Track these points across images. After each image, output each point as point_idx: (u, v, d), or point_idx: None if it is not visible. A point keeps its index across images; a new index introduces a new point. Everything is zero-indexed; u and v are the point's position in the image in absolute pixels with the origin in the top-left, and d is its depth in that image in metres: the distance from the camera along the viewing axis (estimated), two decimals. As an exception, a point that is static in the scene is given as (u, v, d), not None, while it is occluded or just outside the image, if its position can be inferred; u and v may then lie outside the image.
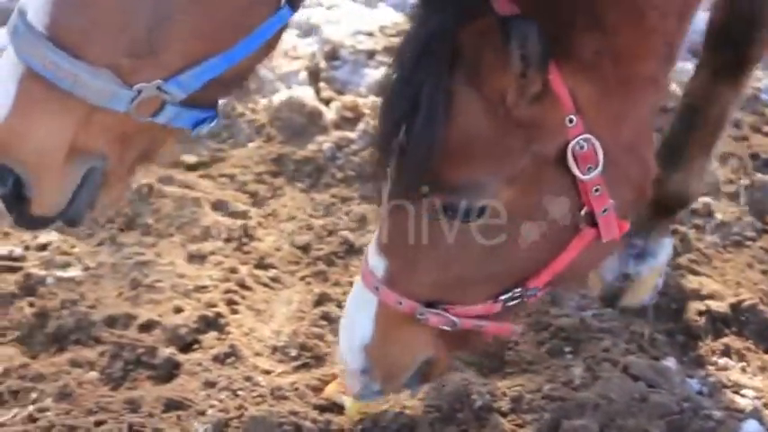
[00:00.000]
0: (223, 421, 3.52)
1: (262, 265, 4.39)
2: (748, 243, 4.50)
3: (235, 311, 4.07)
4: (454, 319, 2.99)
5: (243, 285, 4.22)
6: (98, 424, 3.52)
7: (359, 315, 3.08)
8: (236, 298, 4.13)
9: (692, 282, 4.22)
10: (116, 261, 4.34)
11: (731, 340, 3.98)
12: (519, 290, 2.98)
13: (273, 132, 5.13)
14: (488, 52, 2.68)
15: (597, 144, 2.78)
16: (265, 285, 4.29)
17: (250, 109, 5.34)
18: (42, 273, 4.20)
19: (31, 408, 3.61)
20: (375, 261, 3.00)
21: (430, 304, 2.98)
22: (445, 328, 3.00)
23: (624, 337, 3.89)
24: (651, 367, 3.73)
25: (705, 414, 3.55)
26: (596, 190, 2.84)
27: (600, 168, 2.81)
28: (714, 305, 4.07)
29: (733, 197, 4.72)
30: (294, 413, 3.55)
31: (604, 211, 2.88)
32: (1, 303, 4.09)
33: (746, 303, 4.07)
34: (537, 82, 2.67)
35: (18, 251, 4.34)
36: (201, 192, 4.72)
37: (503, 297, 2.98)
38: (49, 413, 3.58)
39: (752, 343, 3.99)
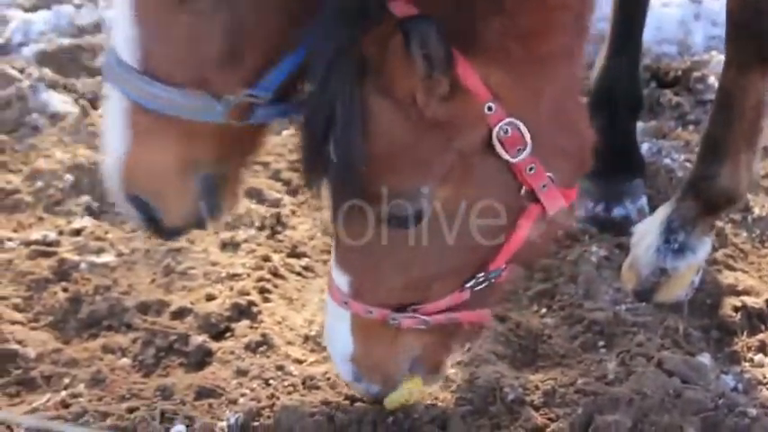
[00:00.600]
0: (255, 410, 3.51)
1: (295, 253, 4.38)
2: (786, 239, 4.47)
3: (267, 300, 4.06)
4: (426, 318, 3.08)
5: (276, 274, 4.21)
6: (130, 411, 3.52)
7: (337, 328, 3.18)
8: (269, 286, 4.12)
9: (727, 277, 4.18)
10: (149, 247, 4.34)
11: (767, 336, 3.93)
12: (482, 274, 3.05)
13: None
14: (391, 57, 2.67)
15: (521, 125, 2.82)
16: (298, 274, 4.28)
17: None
18: (76, 258, 4.21)
19: (63, 393, 3.62)
20: (338, 277, 3.09)
21: (400, 308, 3.06)
22: (420, 327, 3.09)
23: (659, 332, 3.86)
24: (685, 363, 3.69)
25: (740, 411, 3.51)
26: (530, 169, 2.88)
27: (529, 148, 2.84)
28: (750, 301, 4.03)
29: (771, 192, 4.69)
30: (326, 403, 3.54)
31: (543, 186, 2.92)
32: (35, 288, 4.10)
33: (783, 300, 4.03)
34: (444, 81, 2.68)
35: (52, 236, 4.36)
36: (235, 179, 4.71)
37: (468, 285, 3.06)
38: (81, 399, 3.58)
39: (788, 340, 3.95)
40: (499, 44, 2.74)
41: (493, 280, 3.10)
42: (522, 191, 2.93)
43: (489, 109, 2.77)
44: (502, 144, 2.82)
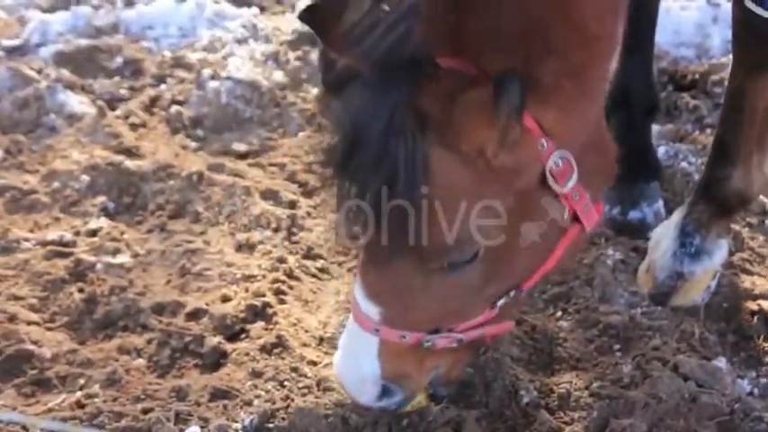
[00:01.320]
0: (269, 412, 3.52)
1: (310, 255, 4.38)
2: (803, 242, 4.44)
3: (282, 301, 4.06)
4: (460, 336, 3.10)
5: (291, 275, 4.21)
6: (145, 411, 3.54)
7: (362, 356, 3.11)
8: (284, 288, 4.12)
9: (744, 281, 4.16)
10: (165, 248, 4.36)
11: (783, 341, 3.92)
12: (513, 292, 3.10)
13: (324, 122, 5.12)
14: (462, 112, 2.65)
15: (569, 156, 2.86)
16: (313, 276, 4.28)
17: (301, 98, 5.34)
18: (92, 259, 4.22)
19: (78, 393, 3.63)
20: (368, 307, 3.03)
21: (434, 330, 3.06)
22: (453, 345, 3.10)
23: (674, 336, 3.85)
24: (701, 367, 3.68)
25: (756, 416, 3.50)
26: (576, 194, 2.94)
27: (576, 175, 2.89)
28: (767, 305, 4.01)
29: (788, 195, 4.66)
30: (340, 405, 3.54)
31: (585, 206, 2.99)
32: (51, 289, 4.12)
33: (800, 304, 4.01)
34: (518, 129, 2.69)
35: (68, 237, 4.37)
36: (251, 180, 4.72)
37: (500, 302, 3.09)
38: (96, 399, 3.60)
39: (804, 344, 3.93)
40: (553, 83, 2.78)
41: (519, 298, 3.18)
42: (566, 215, 2.98)
43: (542, 146, 2.80)
44: (554, 177, 2.86)
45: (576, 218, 3.00)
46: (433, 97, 2.68)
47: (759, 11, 3.37)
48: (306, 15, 2.91)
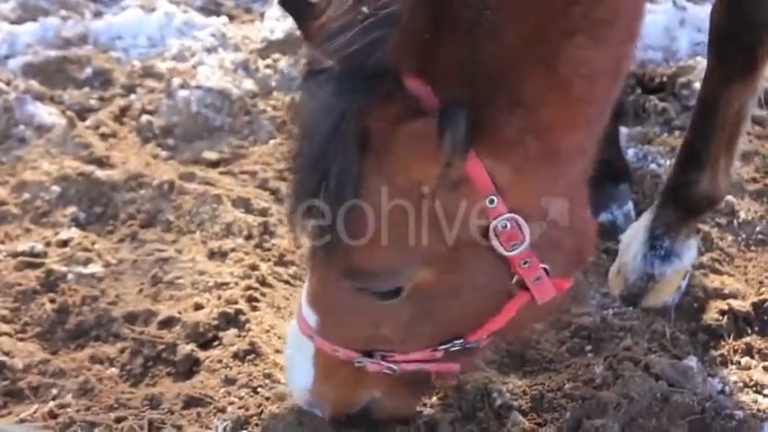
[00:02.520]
0: (243, 419, 3.51)
1: (282, 262, 4.38)
2: (771, 242, 4.48)
3: (255, 308, 4.06)
4: (393, 366, 3.03)
5: (263, 282, 4.21)
6: (118, 420, 3.53)
7: (298, 357, 3.14)
8: (257, 295, 4.12)
9: (714, 281, 4.19)
10: (137, 258, 4.35)
11: (753, 339, 3.94)
12: (459, 341, 2.99)
13: (294, 129, 5.12)
14: (409, 140, 2.53)
15: (521, 221, 2.73)
16: (286, 282, 4.28)
17: (271, 106, 5.35)
18: (63, 269, 4.21)
19: (51, 404, 3.62)
20: (307, 311, 3.04)
21: (368, 353, 3.01)
22: (386, 371, 3.04)
23: (646, 336, 3.87)
24: (673, 367, 3.70)
25: (727, 414, 3.52)
26: (525, 263, 2.80)
27: (527, 243, 2.75)
28: (736, 304, 4.04)
29: (756, 196, 4.69)
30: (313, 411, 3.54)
31: (536, 279, 2.84)
32: (22, 299, 4.10)
33: (769, 303, 4.04)
34: (459, 169, 2.56)
35: (39, 247, 4.35)
36: (222, 189, 4.72)
37: (442, 347, 3.00)
38: (69, 409, 3.59)
39: (774, 342, 3.96)
40: (515, 138, 2.62)
41: (472, 348, 3.06)
42: (514, 280, 2.85)
43: (491, 202, 2.67)
44: (498, 237, 2.73)
45: (526, 287, 2.87)
46: (381, 118, 2.57)
47: None
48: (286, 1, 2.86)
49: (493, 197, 2.66)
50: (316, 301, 3.01)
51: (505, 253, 2.76)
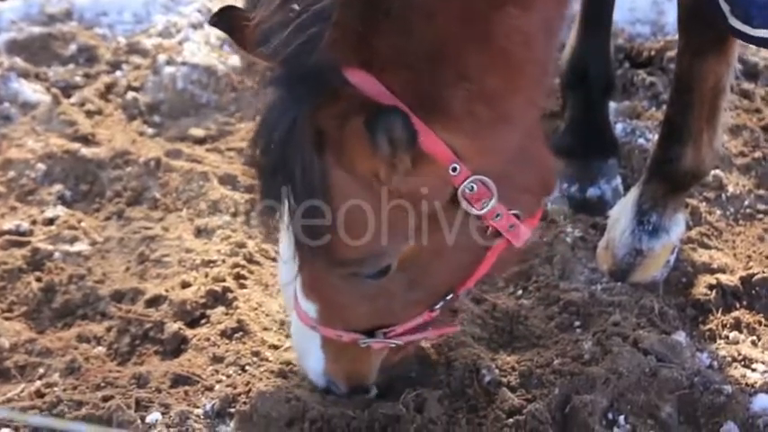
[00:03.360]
0: (231, 396, 3.51)
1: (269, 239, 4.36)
2: (760, 216, 4.46)
3: (242, 286, 4.05)
4: (396, 341, 3.15)
5: (251, 260, 4.19)
6: (105, 399, 3.51)
7: (307, 346, 3.25)
8: (244, 272, 4.11)
9: (702, 255, 4.18)
10: (123, 236, 4.33)
11: (741, 314, 3.94)
12: (450, 296, 3.12)
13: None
14: (352, 137, 2.58)
15: (486, 180, 2.81)
16: (273, 260, 4.25)
17: (258, 82, 5.30)
18: (49, 247, 4.19)
19: (38, 383, 3.61)
20: (305, 304, 3.11)
21: (369, 332, 3.11)
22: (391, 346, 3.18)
23: (634, 312, 3.86)
24: (661, 342, 3.70)
25: (715, 389, 3.53)
26: (497, 216, 2.89)
27: (495, 198, 2.84)
28: (724, 279, 4.04)
29: (744, 170, 4.68)
30: (302, 388, 3.53)
31: (511, 227, 2.95)
32: (8, 278, 4.08)
33: (757, 277, 4.03)
34: (406, 159, 2.62)
35: (25, 226, 4.33)
36: (209, 166, 4.70)
37: (437, 307, 3.12)
38: (56, 388, 3.57)
39: (762, 317, 3.95)
40: (465, 109, 2.70)
41: (459, 299, 3.23)
42: (489, 232, 2.95)
43: (454, 170, 2.74)
44: (468, 200, 2.82)
45: (500, 235, 2.97)
46: (330, 115, 2.62)
47: (745, 28, 3.32)
48: (216, 19, 2.94)
49: (455, 165, 2.73)
50: (311, 291, 3.07)
51: (477, 212, 2.85)
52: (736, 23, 3.31)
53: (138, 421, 3.43)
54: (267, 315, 3.93)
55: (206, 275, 4.06)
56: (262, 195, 2.88)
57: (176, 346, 3.80)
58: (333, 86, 2.62)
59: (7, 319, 3.93)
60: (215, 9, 5.69)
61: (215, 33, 5.64)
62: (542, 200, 3.15)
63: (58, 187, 4.59)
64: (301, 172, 2.65)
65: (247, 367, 3.66)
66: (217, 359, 3.69)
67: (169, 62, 5.34)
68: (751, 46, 4.67)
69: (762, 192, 4.56)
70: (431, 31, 2.64)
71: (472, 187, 2.79)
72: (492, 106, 2.73)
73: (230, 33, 2.94)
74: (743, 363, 3.74)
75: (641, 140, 4.79)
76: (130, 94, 5.21)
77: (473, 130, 2.73)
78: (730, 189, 4.55)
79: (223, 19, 2.93)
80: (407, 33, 2.63)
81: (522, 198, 2.98)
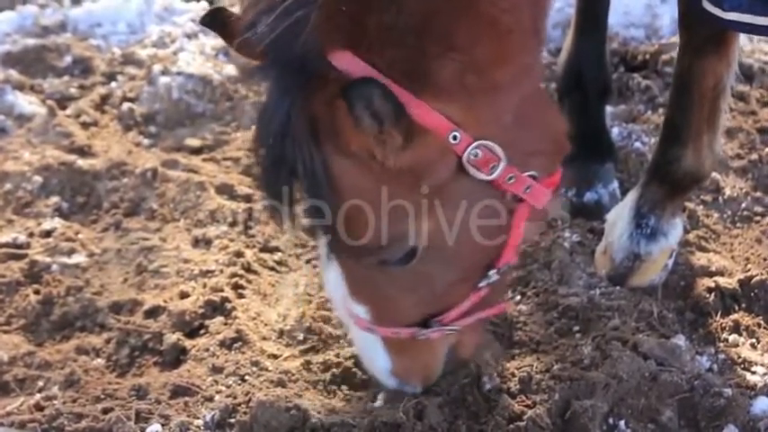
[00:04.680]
0: (231, 407, 3.50)
1: (267, 248, 4.36)
2: (757, 218, 4.46)
3: (241, 296, 4.04)
4: (452, 327, 3.15)
5: (249, 269, 4.19)
6: (105, 411, 3.50)
7: (370, 349, 3.26)
8: (242, 282, 4.10)
9: (700, 258, 4.18)
10: (121, 247, 4.32)
11: (741, 317, 3.94)
12: (492, 272, 3.09)
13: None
14: (341, 119, 2.59)
15: (491, 144, 2.79)
16: (271, 269, 4.26)
17: (253, 91, 5.31)
18: (47, 260, 4.18)
19: (37, 396, 3.60)
20: (357, 308, 3.10)
21: (424, 324, 3.11)
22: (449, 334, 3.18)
23: (633, 316, 3.86)
24: (661, 345, 3.69)
25: (715, 392, 3.52)
26: (510, 178, 2.88)
27: (503, 161, 2.82)
28: (723, 281, 4.03)
29: (741, 173, 4.68)
30: (302, 397, 3.53)
31: (527, 188, 2.94)
32: (6, 291, 4.07)
33: (756, 279, 4.03)
34: (396, 134, 2.61)
35: (22, 238, 4.32)
36: (206, 176, 4.70)
37: (482, 284, 3.10)
38: (55, 401, 3.57)
39: (761, 319, 3.95)
40: (456, 80, 2.69)
41: (504, 274, 3.19)
42: (508, 197, 2.94)
43: (454, 138, 2.72)
44: (475, 167, 2.80)
45: (521, 199, 2.96)
46: (319, 101, 2.62)
47: (717, 11, 3.33)
48: (207, 19, 2.91)
49: (455, 133, 2.72)
50: (356, 292, 3.07)
51: (486, 177, 2.83)
52: (708, 6, 3.33)
53: (139, 432, 3.42)
54: (266, 324, 3.93)
55: (204, 285, 4.06)
56: (267, 195, 2.87)
57: (175, 357, 3.79)
58: (319, 72, 2.61)
59: (5, 332, 3.92)
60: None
61: (210, 43, 5.66)
62: (557, 160, 3.12)
63: (54, 199, 4.59)
64: (303, 166, 2.65)
65: (247, 377, 3.65)
66: (216, 369, 3.68)
67: (164, 72, 5.34)
68: (745, 48, 4.67)
69: (759, 194, 4.56)
70: (418, 4, 2.63)
71: (476, 153, 2.77)
72: (483, 75, 2.73)
73: (220, 31, 2.92)
74: (742, 365, 3.74)
75: (638, 144, 4.79)
76: (126, 105, 5.21)
77: (468, 100, 2.72)
78: (727, 192, 4.55)
79: (213, 18, 2.91)
80: (394, 9, 2.62)
81: (534, 159, 2.96)
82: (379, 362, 3.29)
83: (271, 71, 2.67)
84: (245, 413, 3.47)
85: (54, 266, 4.17)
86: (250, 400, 3.52)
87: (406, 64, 2.62)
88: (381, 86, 2.51)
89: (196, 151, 4.97)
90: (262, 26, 2.62)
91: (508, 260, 3.13)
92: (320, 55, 2.61)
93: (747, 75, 5.22)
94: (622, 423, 3.44)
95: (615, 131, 4.86)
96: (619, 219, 4.08)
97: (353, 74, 2.61)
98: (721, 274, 4.09)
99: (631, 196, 4.07)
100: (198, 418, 3.48)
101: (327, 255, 2.96)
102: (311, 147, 2.64)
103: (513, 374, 3.64)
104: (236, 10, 2.92)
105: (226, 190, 4.62)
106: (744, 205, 4.51)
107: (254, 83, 2.89)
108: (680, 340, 3.75)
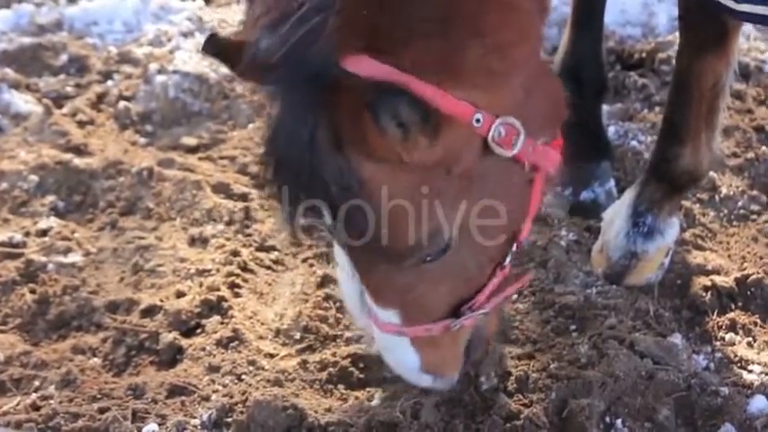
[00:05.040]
0: (227, 406, 3.50)
1: (264, 247, 4.35)
2: (753, 217, 4.46)
3: (237, 295, 4.04)
4: (484, 310, 3.12)
5: (245, 268, 4.19)
6: (102, 411, 3.51)
7: (397, 352, 3.19)
8: (239, 281, 4.10)
9: (696, 257, 4.18)
10: (117, 246, 4.32)
11: (737, 315, 3.94)
12: (514, 245, 3.09)
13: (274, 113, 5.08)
14: (364, 127, 2.52)
15: (511, 119, 2.76)
16: (268, 268, 4.26)
17: (249, 89, 5.30)
18: (43, 259, 4.18)
19: (33, 396, 3.60)
20: (383, 314, 3.03)
21: (455, 313, 3.07)
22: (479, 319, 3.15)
23: (630, 315, 3.86)
24: (657, 344, 3.70)
25: (712, 390, 3.53)
26: (529, 149, 2.86)
27: (523, 134, 2.79)
28: (719, 280, 4.03)
29: (737, 171, 4.68)
30: (299, 396, 3.53)
31: (541, 156, 2.92)
32: (1, 291, 4.07)
33: (752, 278, 4.03)
34: (423, 139, 2.57)
35: (18, 237, 4.32)
36: (202, 174, 4.69)
37: (506, 262, 3.10)
38: (52, 401, 3.57)
39: (758, 317, 3.95)
40: (479, 64, 2.66)
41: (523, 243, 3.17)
42: (526, 168, 2.91)
43: (477, 121, 2.68)
44: (499, 145, 2.76)
45: (537, 167, 2.94)
46: (341, 111, 2.55)
47: (729, 3, 3.30)
48: (209, 46, 2.69)
49: (477, 116, 2.68)
50: (385, 298, 3.01)
51: (510, 153, 2.80)
52: None
53: (135, 432, 3.42)
54: (262, 324, 3.93)
55: (200, 285, 4.06)
56: (289, 212, 2.77)
57: (172, 357, 3.79)
58: (337, 81, 2.53)
59: (1, 331, 3.92)
60: (205, 17, 5.78)
61: (206, 42, 5.63)
62: (559, 124, 3.09)
63: (50, 198, 4.58)
64: (335, 181, 2.60)
65: (243, 376, 3.65)
66: (213, 369, 3.68)
67: (160, 71, 5.33)
68: (742, 47, 4.67)
69: (755, 192, 4.55)
70: None
71: (500, 132, 2.73)
72: (504, 56, 2.70)
73: (226, 62, 2.73)
74: (739, 364, 3.74)
75: (634, 143, 4.79)
76: (122, 104, 5.19)
77: (489, 81, 2.70)
78: (723, 190, 4.55)
79: (213, 45, 2.70)
80: (412, 4, 2.59)
81: (544, 126, 2.94)
82: (408, 363, 3.21)
83: (284, 86, 2.59)
84: (241, 412, 3.48)
85: (50, 266, 4.16)
86: (247, 399, 3.52)
87: (429, 57, 2.57)
88: (407, 95, 2.48)
89: (192, 150, 4.96)
90: (270, 41, 2.53)
91: (528, 229, 3.12)
92: (336, 62, 2.53)
93: (744, 73, 5.21)
94: (619, 422, 3.45)
95: (612, 130, 4.85)
96: (615, 217, 4.08)
97: (375, 77, 2.53)
98: (718, 272, 4.09)
99: (628, 195, 4.07)
100: (195, 418, 3.49)
101: (352, 267, 2.93)
102: (338, 157, 2.58)
103: (509, 373, 3.64)
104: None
105: (222, 189, 4.62)
106: (740, 204, 4.50)
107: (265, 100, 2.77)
108: (676, 339, 3.75)
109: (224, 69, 5.34)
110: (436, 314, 3.07)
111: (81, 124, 5.11)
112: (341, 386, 3.67)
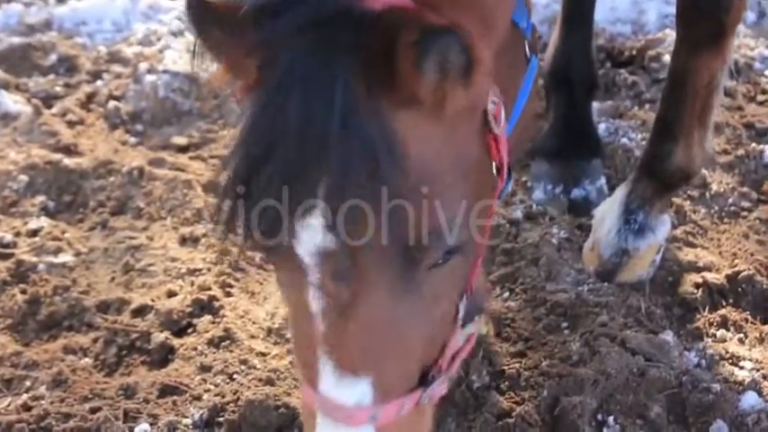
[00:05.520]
0: (219, 406, 3.50)
1: (255, 246, 4.34)
2: (744, 214, 4.47)
3: (229, 294, 4.04)
4: (450, 373, 2.64)
5: (236, 267, 4.18)
6: (93, 411, 3.50)
7: None
8: (230, 280, 4.10)
9: (687, 254, 4.18)
10: (108, 246, 4.31)
11: (728, 312, 3.94)
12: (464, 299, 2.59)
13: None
14: (401, 68, 2.15)
15: (498, 92, 2.50)
16: (259, 267, 4.25)
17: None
18: (33, 259, 4.17)
19: (24, 396, 3.59)
20: (353, 391, 2.37)
21: (424, 378, 2.52)
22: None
23: (621, 312, 3.86)
24: (649, 341, 3.70)
25: (704, 387, 3.53)
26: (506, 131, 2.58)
27: (503, 112, 2.53)
28: (710, 277, 4.04)
29: (727, 168, 4.69)
30: (291, 395, 3.52)
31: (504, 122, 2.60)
32: (-8, 291, 4.06)
33: (743, 274, 4.04)
34: (459, 86, 2.21)
35: (8, 238, 4.31)
36: (193, 174, 4.68)
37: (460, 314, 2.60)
38: (43, 401, 3.56)
39: (749, 314, 3.95)
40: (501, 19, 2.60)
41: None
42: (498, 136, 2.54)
43: (494, 104, 2.46)
44: (494, 118, 2.46)
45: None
46: (369, 52, 2.17)
47: None
48: (195, 9, 2.33)
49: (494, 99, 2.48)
50: (358, 358, 2.36)
51: (497, 130, 2.49)
52: None
53: (127, 432, 3.42)
54: (254, 323, 3.92)
55: (192, 284, 4.05)
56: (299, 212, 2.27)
57: (163, 356, 3.78)
58: (360, 17, 2.19)
59: (-8, 332, 3.92)
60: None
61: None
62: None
63: (40, 198, 4.57)
64: (365, 139, 2.15)
65: (235, 376, 3.65)
66: (204, 368, 3.68)
67: (150, 70, 5.32)
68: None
69: (745, 189, 4.56)
70: None
71: (494, 101, 2.46)
72: (497, 17, 2.59)
73: (212, 19, 2.33)
74: (730, 361, 3.74)
75: (624, 140, 4.79)
76: (112, 104, 5.19)
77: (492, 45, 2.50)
78: (714, 187, 4.55)
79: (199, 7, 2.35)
80: None
81: (509, 98, 2.71)
82: None
83: (294, 32, 2.18)
84: (233, 412, 3.47)
85: (41, 266, 4.15)
86: (238, 398, 3.52)
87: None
88: (456, 36, 2.13)
89: (183, 149, 4.96)
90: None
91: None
92: (367, 18, 2.20)
93: (735, 71, 5.22)
94: (611, 419, 3.45)
95: (602, 127, 4.86)
96: (607, 215, 4.08)
97: (409, 13, 2.24)
98: (709, 269, 4.10)
99: (620, 192, 4.07)
100: (186, 417, 3.49)
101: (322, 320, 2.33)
102: (370, 112, 2.16)
103: (501, 371, 3.64)
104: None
105: (213, 188, 4.60)
106: (731, 200, 4.51)
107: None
108: (668, 336, 3.76)
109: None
110: (409, 377, 2.46)
111: (71, 124, 5.10)
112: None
